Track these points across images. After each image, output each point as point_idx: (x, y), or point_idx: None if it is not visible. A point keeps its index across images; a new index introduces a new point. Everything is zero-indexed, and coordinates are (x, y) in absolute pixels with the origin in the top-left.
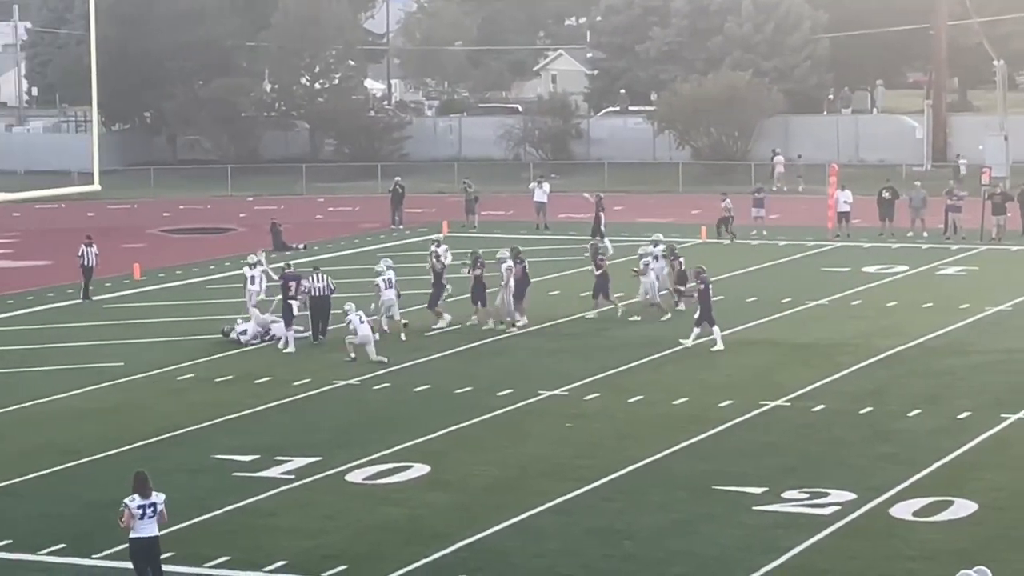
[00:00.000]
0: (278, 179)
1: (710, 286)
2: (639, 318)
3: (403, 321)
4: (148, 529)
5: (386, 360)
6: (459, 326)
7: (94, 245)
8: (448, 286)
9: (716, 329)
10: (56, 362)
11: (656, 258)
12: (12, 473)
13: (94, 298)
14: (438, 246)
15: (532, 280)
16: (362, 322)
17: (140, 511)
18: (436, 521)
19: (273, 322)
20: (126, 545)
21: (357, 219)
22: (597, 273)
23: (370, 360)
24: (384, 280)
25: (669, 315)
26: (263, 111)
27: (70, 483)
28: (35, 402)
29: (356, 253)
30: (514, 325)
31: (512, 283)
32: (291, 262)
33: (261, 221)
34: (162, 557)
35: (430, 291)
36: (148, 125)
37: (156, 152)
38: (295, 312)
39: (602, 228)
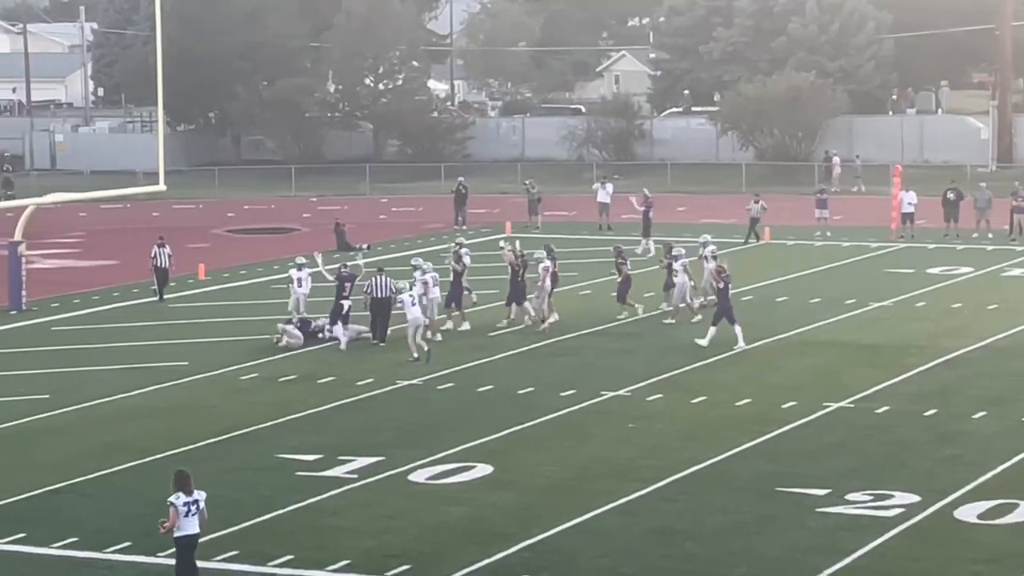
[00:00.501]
0: (342, 179)
1: (730, 285)
2: (673, 321)
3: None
4: (193, 526)
5: (416, 356)
6: (521, 327)
7: (167, 246)
8: (473, 294)
9: (737, 328)
10: (121, 361)
11: (706, 259)
12: (78, 472)
13: (157, 298)
14: (460, 247)
15: (594, 281)
16: (413, 304)
17: (186, 508)
18: (499, 521)
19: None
20: None
21: (420, 219)
22: (619, 278)
23: (409, 341)
24: (411, 294)
25: (699, 317)
26: (327, 111)
27: (136, 482)
28: (101, 401)
29: (419, 253)
30: (543, 322)
31: (548, 283)
32: (348, 263)
33: (325, 221)
34: (227, 555)
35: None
36: (213, 125)
37: (221, 152)
38: (347, 311)
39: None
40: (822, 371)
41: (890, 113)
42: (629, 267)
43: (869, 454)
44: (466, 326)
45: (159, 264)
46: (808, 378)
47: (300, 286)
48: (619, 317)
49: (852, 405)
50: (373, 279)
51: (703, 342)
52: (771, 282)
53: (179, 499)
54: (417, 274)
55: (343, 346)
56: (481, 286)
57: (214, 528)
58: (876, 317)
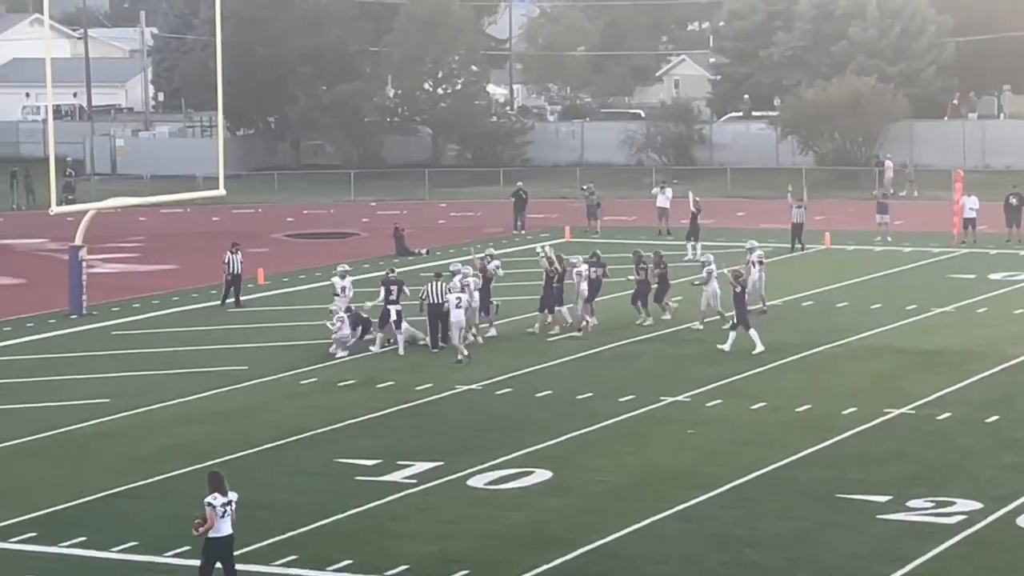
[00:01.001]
0: (401, 184)
1: (747, 289)
2: (701, 327)
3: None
4: (227, 527)
5: (460, 358)
6: (579, 333)
7: (239, 252)
8: (496, 303)
9: (753, 332)
10: (181, 366)
11: (753, 264)
12: (139, 476)
13: (218, 302)
14: (490, 258)
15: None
16: (458, 307)
17: (223, 510)
18: (558, 527)
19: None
20: (253, 548)
21: (479, 224)
22: (638, 279)
23: (455, 342)
24: (458, 297)
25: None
26: (386, 116)
27: (196, 486)
28: (160, 405)
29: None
30: (579, 329)
31: (584, 288)
32: (395, 268)
33: (384, 226)
34: (286, 560)
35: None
36: (272, 130)
37: (280, 157)
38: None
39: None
40: (883, 377)
41: (947, 118)
42: (645, 274)
43: (930, 461)
44: (493, 332)
45: (232, 270)
46: (869, 384)
47: (343, 294)
48: (636, 322)
49: (913, 411)
50: (430, 284)
51: (726, 347)
52: (831, 287)
53: (216, 500)
54: (458, 279)
55: (401, 351)
56: (526, 292)
57: (273, 533)
58: (937, 323)
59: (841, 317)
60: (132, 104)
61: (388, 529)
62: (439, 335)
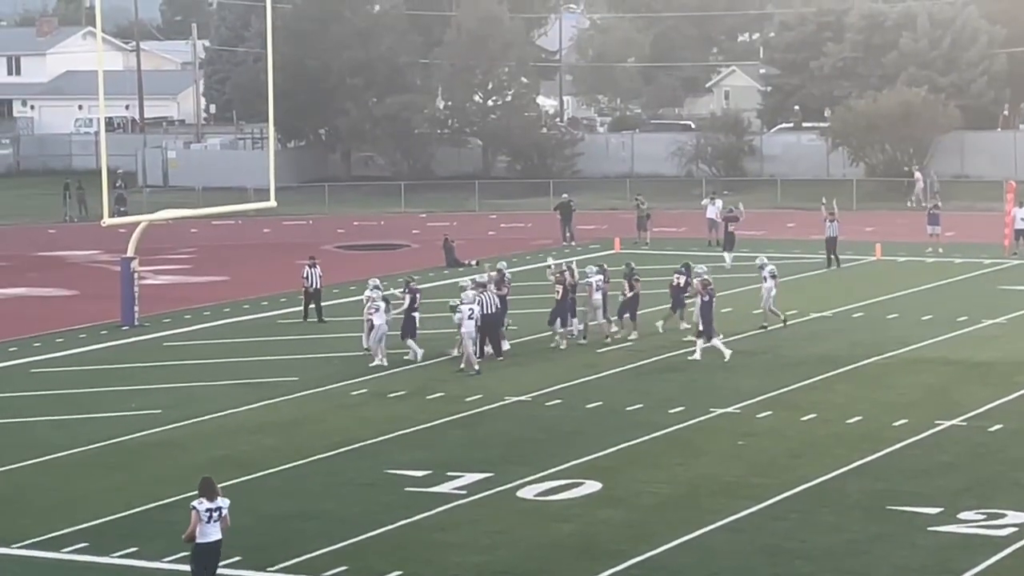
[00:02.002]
0: (451, 195)
1: (715, 298)
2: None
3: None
4: (214, 533)
5: (463, 368)
6: (630, 343)
7: (318, 266)
8: (508, 321)
9: (717, 341)
10: (232, 377)
11: (766, 279)
12: (189, 486)
13: (270, 313)
14: (503, 272)
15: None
16: (470, 318)
17: (208, 515)
18: (608, 538)
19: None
20: (303, 558)
21: (529, 235)
22: (629, 295)
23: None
24: (471, 307)
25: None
26: (436, 128)
27: (246, 496)
28: (211, 416)
29: (528, 270)
30: (607, 337)
31: (597, 297)
32: (415, 276)
33: (434, 237)
34: (336, 571)
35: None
36: (323, 142)
37: (330, 169)
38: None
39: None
40: (934, 389)
41: (999, 129)
42: (640, 286)
43: (981, 473)
44: (506, 345)
45: (310, 286)
46: (919, 396)
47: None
48: (619, 336)
49: (964, 423)
50: (482, 296)
51: (696, 356)
52: (882, 299)
53: (201, 504)
54: (472, 292)
55: (419, 359)
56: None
57: (323, 543)
58: (989, 334)
59: (892, 329)
60: (184, 116)
61: (437, 540)
62: (495, 345)
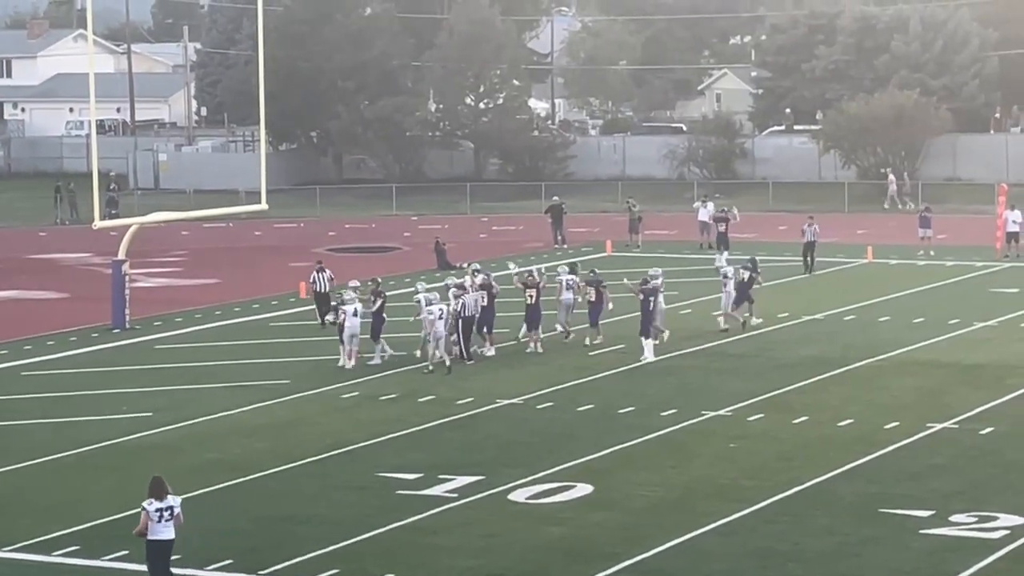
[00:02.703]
0: (442, 198)
1: (651, 298)
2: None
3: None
4: (165, 532)
5: (431, 369)
6: (622, 346)
7: (327, 270)
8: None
9: (648, 342)
10: (223, 379)
11: (725, 282)
12: (182, 489)
13: (261, 316)
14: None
15: (694, 300)
16: (440, 319)
17: (158, 515)
18: (600, 541)
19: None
20: (296, 560)
21: (521, 238)
22: (592, 300)
23: (430, 353)
24: (439, 309)
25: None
26: (428, 131)
27: (239, 499)
28: (203, 419)
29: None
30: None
31: (568, 296)
32: (379, 278)
33: (425, 240)
34: (328, 573)
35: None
36: (314, 145)
37: (322, 171)
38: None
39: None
40: (925, 391)
41: (992, 132)
42: (608, 292)
43: (973, 475)
44: (491, 351)
45: (319, 289)
46: (911, 398)
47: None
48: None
49: (956, 426)
50: (464, 297)
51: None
52: (874, 302)
53: (151, 505)
54: (452, 292)
55: (387, 358)
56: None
57: (315, 546)
58: (980, 337)
59: (883, 331)
60: (175, 119)
61: (429, 543)
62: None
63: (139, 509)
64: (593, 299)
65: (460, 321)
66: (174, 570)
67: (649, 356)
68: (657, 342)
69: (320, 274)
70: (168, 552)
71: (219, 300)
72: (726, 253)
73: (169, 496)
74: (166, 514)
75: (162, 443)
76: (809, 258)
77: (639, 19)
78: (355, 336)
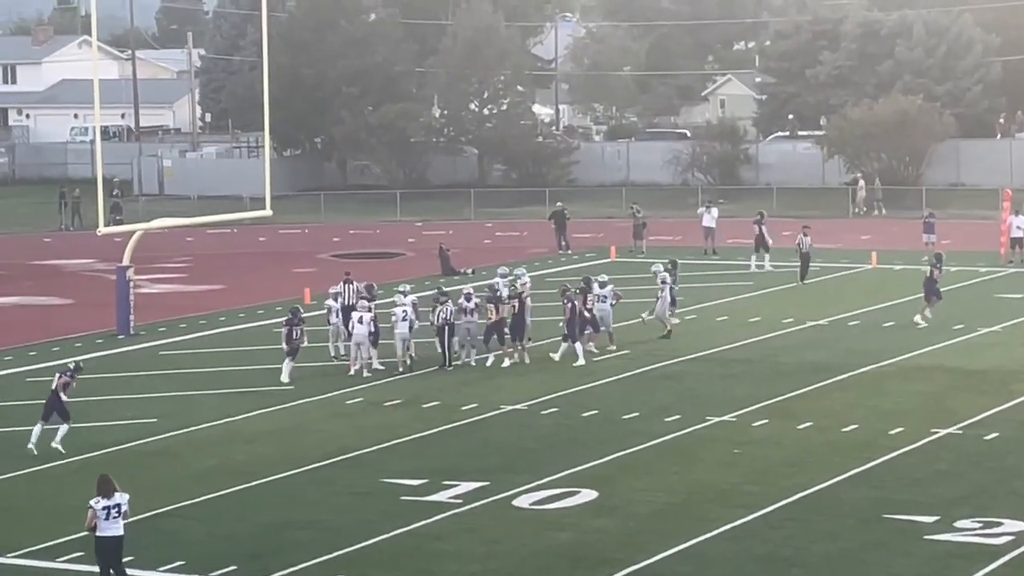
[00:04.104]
0: (446, 204)
1: (575, 303)
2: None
3: (411, 355)
4: (113, 529)
5: (401, 370)
6: (627, 351)
7: (354, 282)
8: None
9: (578, 346)
10: (228, 385)
11: (662, 287)
12: (185, 495)
13: (265, 322)
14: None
15: (699, 306)
16: (404, 320)
17: (105, 512)
18: (604, 547)
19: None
20: (299, 567)
21: (525, 244)
22: (567, 316)
23: (399, 355)
24: (401, 311)
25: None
26: (432, 136)
27: (242, 505)
28: (207, 425)
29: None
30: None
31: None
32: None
33: (430, 246)
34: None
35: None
36: (318, 151)
37: (326, 177)
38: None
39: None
40: (930, 397)
41: (999, 136)
42: (582, 304)
43: (978, 481)
44: (483, 359)
45: (347, 301)
46: (915, 404)
47: (336, 316)
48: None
49: (960, 431)
50: (446, 305)
51: (555, 356)
52: (878, 307)
53: (98, 503)
54: (399, 298)
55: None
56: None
57: (319, 552)
58: (985, 343)
59: (887, 337)
60: (179, 125)
61: (433, 549)
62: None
63: (137, 516)
64: (516, 311)
65: (446, 328)
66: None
67: (556, 356)
68: (578, 345)
69: (348, 286)
70: (119, 548)
71: (223, 306)
72: (767, 256)
73: (117, 494)
74: (114, 511)
75: (166, 449)
76: (803, 267)
77: (643, 25)
78: (361, 344)
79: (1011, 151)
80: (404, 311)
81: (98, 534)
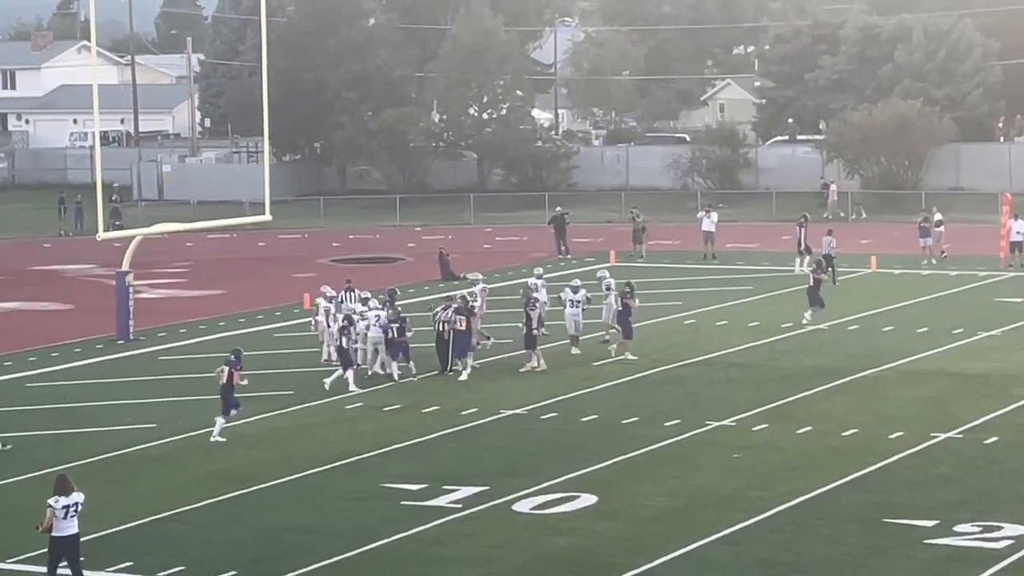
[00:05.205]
0: (446, 209)
1: (532, 312)
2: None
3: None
4: (70, 528)
5: (371, 374)
6: (623, 356)
7: (355, 290)
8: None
9: (537, 352)
10: None
11: (607, 294)
12: (186, 500)
13: (265, 327)
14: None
15: (698, 310)
16: (375, 324)
17: (63, 511)
18: (603, 551)
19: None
20: (300, 571)
21: (525, 249)
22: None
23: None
24: (378, 314)
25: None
26: (431, 141)
27: (243, 510)
28: (207, 430)
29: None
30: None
31: (482, 304)
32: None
33: (429, 251)
34: None
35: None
36: (318, 155)
37: (326, 182)
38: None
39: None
40: (930, 401)
41: (1001, 140)
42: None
43: (978, 485)
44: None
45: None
46: (915, 408)
47: (321, 316)
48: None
49: (960, 436)
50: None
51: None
52: (878, 311)
53: (57, 502)
54: (372, 301)
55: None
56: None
57: (319, 557)
58: (984, 347)
59: (887, 341)
60: (179, 130)
61: (433, 554)
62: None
63: (137, 521)
64: (463, 328)
65: (437, 336)
66: None
67: (542, 366)
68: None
69: (349, 294)
70: (75, 547)
71: (223, 311)
72: (806, 259)
73: (74, 493)
74: (71, 510)
75: (165, 454)
76: (831, 268)
77: (642, 29)
78: (378, 347)
79: (1010, 155)
80: (377, 315)
81: (55, 534)
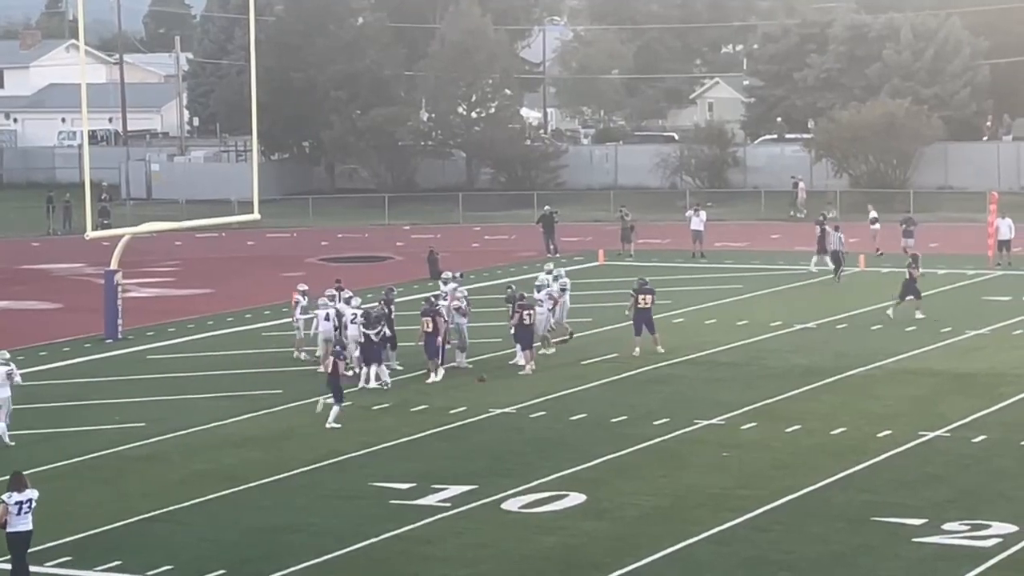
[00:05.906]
0: (435, 208)
1: (521, 314)
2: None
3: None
4: (24, 524)
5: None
6: (615, 355)
7: (345, 289)
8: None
9: (521, 350)
10: (216, 390)
11: (562, 292)
12: (174, 500)
13: (254, 326)
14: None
15: (687, 309)
16: (326, 319)
17: (17, 507)
18: (592, 550)
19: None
20: (288, 571)
21: (513, 247)
22: (515, 321)
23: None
24: (326, 313)
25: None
26: (420, 140)
27: (231, 509)
28: (196, 429)
29: (512, 282)
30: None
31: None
32: (350, 291)
33: (418, 250)
34: None
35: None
36: (307, 155)
37: (314, 181)
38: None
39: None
40: (918, 400)
41: (985, 139)
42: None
43: (966, 484)
44: (436, 377)
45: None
46: (904, 407)
47: (307, 314)
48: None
49: (948, 434)
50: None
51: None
52: (866, 310)
53: (11, 498)
54: (355, 300)
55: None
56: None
57: (308, 556)
58: (972, 345)
59: (876, 340)
60: (167, 129)
61: (422, 553)
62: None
63: (126, 520)
64: (429, 330)
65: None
66: None
67: (523, 363)
68: (528, 352)
69: (340, 293)
70: (27, 543)
71: (212, 310)
72: (824, 258)
73: (28, 489)
74: (25, 506)
75: (154, 453)
76: (839, 266)
77: (631, 28)
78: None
79: (999, 154)
80: (327, 313)
81: (9, 530)
